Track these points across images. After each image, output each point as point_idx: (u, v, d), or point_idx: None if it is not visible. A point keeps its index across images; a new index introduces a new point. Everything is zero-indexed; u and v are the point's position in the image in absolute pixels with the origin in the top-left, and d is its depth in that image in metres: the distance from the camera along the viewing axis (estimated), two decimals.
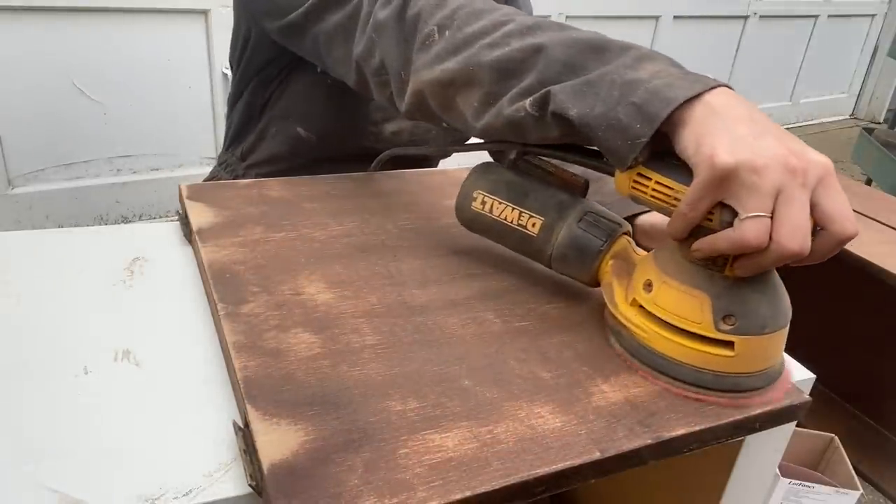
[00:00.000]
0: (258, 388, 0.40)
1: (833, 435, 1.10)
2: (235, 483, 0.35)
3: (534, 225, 0.52)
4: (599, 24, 2.70)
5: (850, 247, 1.09)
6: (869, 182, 2.08)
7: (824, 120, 3.94)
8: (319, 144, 0.84)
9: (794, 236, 0.38)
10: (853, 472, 1.04)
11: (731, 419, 0.42)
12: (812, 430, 1.11)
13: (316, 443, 0.36)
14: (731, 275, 0.42)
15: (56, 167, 1.82)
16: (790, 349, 0.53)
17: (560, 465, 0.37)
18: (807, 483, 1.01)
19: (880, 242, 1.12)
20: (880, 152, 1.90)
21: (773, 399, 0.45)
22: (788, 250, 0.38)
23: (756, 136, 0.39)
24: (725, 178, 0.39)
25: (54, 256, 0.55)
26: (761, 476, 0.52)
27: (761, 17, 3.23)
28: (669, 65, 0.45)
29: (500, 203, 0.53)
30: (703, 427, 0.41)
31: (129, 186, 1.94)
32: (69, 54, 1.72)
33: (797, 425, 0.50)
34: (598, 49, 0.46)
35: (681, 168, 0.42)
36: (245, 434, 0.37)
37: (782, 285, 0.45)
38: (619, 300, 0.48)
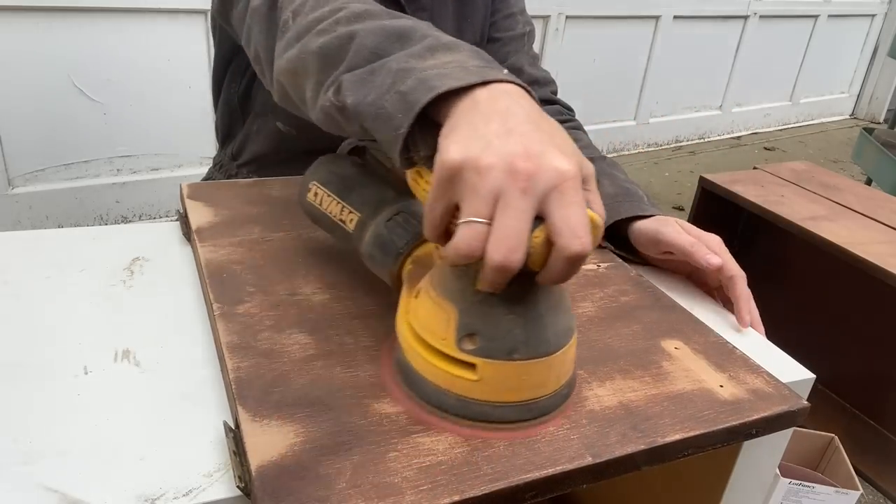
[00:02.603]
0: (249, 388, 0.40)
1: (833, 435, 1.10)
2: (235, 484, 0.35)
3: (351, 221, 0.48)
4: (599, 24, 2.70)
5: (850, 247, 1.09)
6: (869, 182, 2.08)
7: (824, 120, 3.94)
8: (300, 138, 0.84)
9: (499, 247, 0.33)
10: (853, 472, 1.04)
11: (726, 425, 0.42)
12: (812, 430, 1.11)
13: (306, 445, 0.36)
14: (482, 289, 0.36)
15: (56, 167, 1.83)
16: (791, 349, 0.53)
17: (551, 470, 0.37)
18: (807, 483, 1.01)
19: (880, 242, 1.12)
20: (880, 152, 1.90)
21: (527, 435, 0.39)
22: (493, 261, 0.34)
23: (499, 135, 0.35)
24: (452, 177, 0.35)
25: (54, 256, 0.55)
26: (761, 477, 0.52)
27: (761, 17, 3.23)
28: (469, 57, 0.41)
29: (329, 196, 0.50)
30: (698, 433, 0.41)
31: (129, 186, 1.94)
32: (69, 54, 1.72)
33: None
34: (402, 37, 0.44)
35: None
36: (235, 435, 0.37)
37: (564, 308, 0.40)
38: (401, 308, 0.43)
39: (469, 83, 0.38)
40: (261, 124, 0.85)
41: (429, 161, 0.39)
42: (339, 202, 0.49)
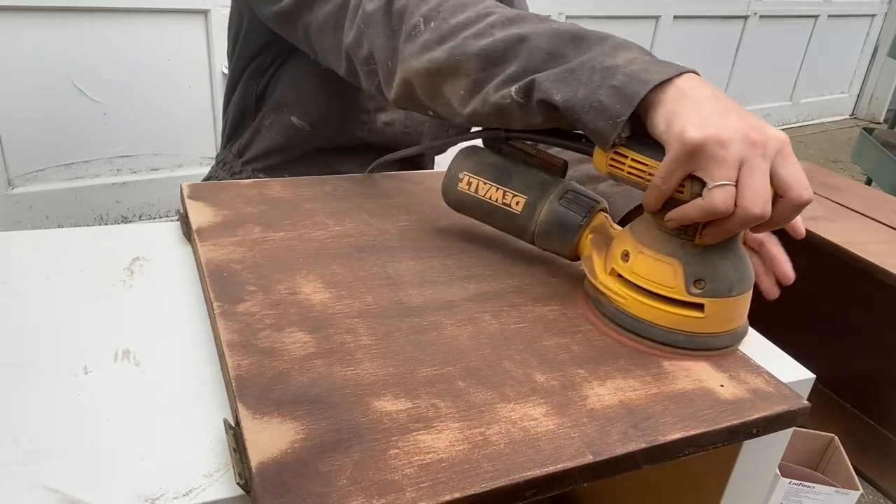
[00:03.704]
0: (250, 386, 0.40)
1: (833, 435, 1.10)
2: (235, 481, 0.35)
3: (517, 203, 0.55)
4: (599, 24, 2.69)
5: (850, 247, 1.09)
6: (869, 182, 2.08)
7: (824, 120, 3.94)
8: (313, 134, 0.84)
9: (757, 201, 0.42)
10: (853, 472, 1.04)
11: (727, 424, 0.42)
12: (812, 430, 1.11)
13: (306, 442, 0.36)
14: (701, 242, 0.46)
15: (56, 167, 1.83)
16: (790, 349, 0.53)
17: (551, 468, 0.37)
18: (807, 483, 1.01)
19: (880, 242, 1.12)
20: (880, 152, 1.89)
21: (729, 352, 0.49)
22: (752, 214, 0.42)
23: (720, 114, 0.43)
24: (694, 152, 0.42)
25: (54, 256, 0.55)
26: (761, 476, 0.52)
27: (761, 17, 3.23)
28: (642, 53, 0.48)
29: (486, 183, 0.56)
30: (698, 432, 0.41)
31: (129, 186, 1.94)
32: (69, 54, 1.72)
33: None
34: (578, 39, 0.50)
35: (653, 146, 0.45)
36: (235, 432, 0.37)
37: (746, 254, 0.49)
38: (599, 270, 0.51)
39: (670, 76, 0.45)
40: (274, 119, 0.85)
41: (627, 141, 0.47)
42: (499, 188, 0.55)
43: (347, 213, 0.64)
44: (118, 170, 1.92)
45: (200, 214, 0.60)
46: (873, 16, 3.80)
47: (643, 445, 0.39)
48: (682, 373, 0.46)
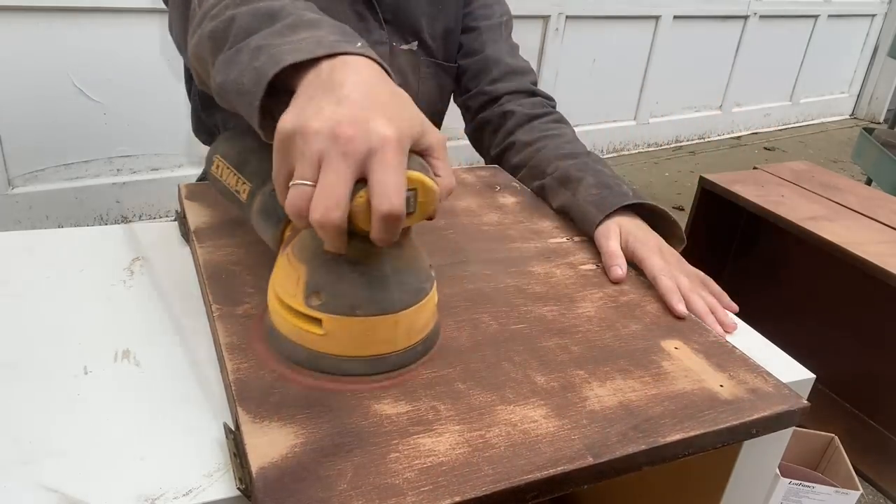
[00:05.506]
0: (249, 390, 0.40)
1: (833, 435, 1.10)
2: (235, 485, 0.35)
3: (244, 191, 0.51)
4: (599, 24, 2.70)
5: (849, 247, 1.09)
6: (869, 182, 2.08)
7: (824, 120, 3.94)
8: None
9: (317, 206, 0.36)
10: (853, 472, 1.04)
11: (726, 424, 0.42)
12: (812, 430, 1.11)
13: (306, 446, 0.36)
14: (327, 250, 0.39)
15: (56, 167, 1.83)
16: (791, 349, 0.53)
17: (552, 471, 0.37)
18: (807, 483, 1.01)
19: (880, 242, 1.12)
20: (880, 152, 1.89)
21: (374, 389, 0.41)
22: (312, 219, 0.36)
23: (331, 103, 0.37)
24: (285, 144, 0.38)
25: (54, 256, 0.55)
26: (761, 476, 0.52)
27: (761, 17, 3.23)
28: (330, 33, 0.42)
29: (227, 168, 0.52)
30: (698, 433, 0.41)
31: (129, 186, 1.94)
32: (69, 54, 1.72)
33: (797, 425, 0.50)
34: (271, 17, 0.45)
35: None
36: (235, 437, 0.37)
37: (416, 269, 0.43)
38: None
39: (315, 55, 0.39)
40: (224, 117, 0.84)
41: None
42: (235, 174, 0.51)
43: None
44: (118, 170, 1.92)
45: (199, 215, 0.60)
46: (873, 16, 3.79)
47: (643, 447, 0.39)
48: (681, 373, 0.46)
